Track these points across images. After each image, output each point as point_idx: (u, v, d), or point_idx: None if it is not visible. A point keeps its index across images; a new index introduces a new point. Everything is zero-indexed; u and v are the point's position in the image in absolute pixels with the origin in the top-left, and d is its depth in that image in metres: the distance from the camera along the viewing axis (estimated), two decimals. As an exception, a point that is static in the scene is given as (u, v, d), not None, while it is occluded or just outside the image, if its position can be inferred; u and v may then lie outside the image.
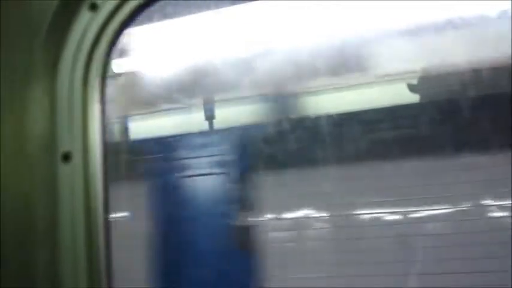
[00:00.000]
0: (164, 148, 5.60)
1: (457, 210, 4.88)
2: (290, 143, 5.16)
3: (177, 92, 5.12)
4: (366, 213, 5.12)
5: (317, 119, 5.09)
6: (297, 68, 4.82)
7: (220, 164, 5.51)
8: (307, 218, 5.31)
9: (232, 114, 5.38)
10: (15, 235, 1.13)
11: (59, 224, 1.14)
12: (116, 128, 5.26)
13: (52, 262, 1.12)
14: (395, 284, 4.84)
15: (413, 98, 4.99)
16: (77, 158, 1.15)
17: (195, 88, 5.10)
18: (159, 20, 4.38)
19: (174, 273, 5.66)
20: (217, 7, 4.46)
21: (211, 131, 5.41)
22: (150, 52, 4.96)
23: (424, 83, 4.91)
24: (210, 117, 5.29)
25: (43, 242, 1.13)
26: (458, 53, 4.52)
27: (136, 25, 1.26)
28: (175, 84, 4.99)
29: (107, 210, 1.19)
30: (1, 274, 1.09)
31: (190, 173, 5.66)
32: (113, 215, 1.21)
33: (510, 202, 5.05)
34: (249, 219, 5.32)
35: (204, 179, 5.59)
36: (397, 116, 4.92)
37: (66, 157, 1.14)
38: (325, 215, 5.28)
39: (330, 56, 4.74)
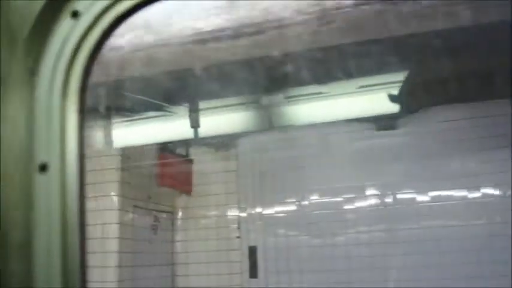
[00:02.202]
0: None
1: None
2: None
3: (163, 99, 5.15)
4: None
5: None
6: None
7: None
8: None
9: (217, 122, 5.46)
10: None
11: (34, 236, 1.17)
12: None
13: (26, 275, 1.15)
14: None
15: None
16: (54, 169, 1.18)
17: (181, 96, 5.09)
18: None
19: None
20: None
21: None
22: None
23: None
24: (195, 125, 5.29)
25: (18, 254, 1.16)
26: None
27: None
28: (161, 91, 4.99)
29: (83, 222, 1.20)
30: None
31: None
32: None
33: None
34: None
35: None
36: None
37: (43, 168, 1.18)
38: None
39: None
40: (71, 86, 1.20)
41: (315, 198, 6.52)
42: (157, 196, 6.32)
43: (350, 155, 6.43)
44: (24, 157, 1.18)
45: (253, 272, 6.45)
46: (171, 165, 6.16)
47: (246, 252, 6.51)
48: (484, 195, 5.87)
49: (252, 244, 6.51)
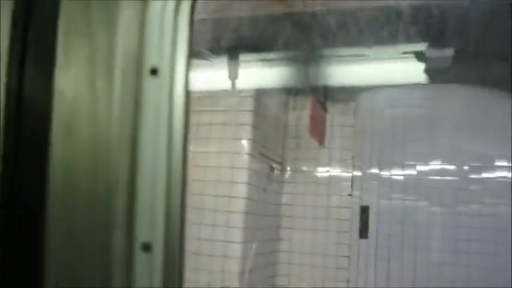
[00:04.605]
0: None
1: None
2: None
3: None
4: None
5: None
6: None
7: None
8: None
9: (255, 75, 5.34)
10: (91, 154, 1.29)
11: (139, 142, 1.29)
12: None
13: (129, 205, 1.24)
14: None
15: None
16: (163, 73, 1.31)
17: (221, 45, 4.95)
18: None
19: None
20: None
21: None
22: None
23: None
24: (233, 76, 5.14)
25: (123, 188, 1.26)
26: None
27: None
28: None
29: (186, 134, 1.32)
30: (75, 223, 1.19)
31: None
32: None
33: None
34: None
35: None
36: None
37: (154, 71, 1.31)
38: None
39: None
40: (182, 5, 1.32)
41: (437, 163, 6.39)
42: (272, 144, 6.48)
43: (482, 119, 6.19)
44: (136, 62, 1.31)
45: (363, 232, 6.49)
46: (317, 113, 6.14)
47: (357, 211, 6.55)
48: None
49: (365, 204, 6.53)
